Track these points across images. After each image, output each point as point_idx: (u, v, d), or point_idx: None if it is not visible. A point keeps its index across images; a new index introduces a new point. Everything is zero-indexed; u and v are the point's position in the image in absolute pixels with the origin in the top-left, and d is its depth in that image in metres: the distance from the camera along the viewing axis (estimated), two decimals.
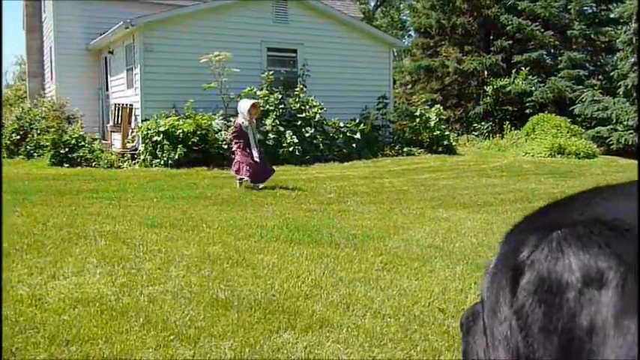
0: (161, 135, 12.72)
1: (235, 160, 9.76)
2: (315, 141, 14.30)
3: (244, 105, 9.74)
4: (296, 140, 13.72)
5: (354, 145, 15.01)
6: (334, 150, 14.67)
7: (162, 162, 12.70)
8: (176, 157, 12.48)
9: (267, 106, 13.98)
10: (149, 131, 12.94)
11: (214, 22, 14.71)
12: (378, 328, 3.64)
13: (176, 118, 13.03)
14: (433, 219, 7.25)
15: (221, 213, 7.46)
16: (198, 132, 12.70)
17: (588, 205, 0.48)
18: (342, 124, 15.17)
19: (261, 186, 9.64)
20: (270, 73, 14.65)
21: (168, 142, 12.65)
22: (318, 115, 14.53)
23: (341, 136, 15.08)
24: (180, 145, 12.54)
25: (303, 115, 14.46)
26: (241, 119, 9.65)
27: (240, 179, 9.66)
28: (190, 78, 13.91)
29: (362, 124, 15.56)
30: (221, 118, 13.66)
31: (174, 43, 14.25)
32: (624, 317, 0.39)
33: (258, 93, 14.07)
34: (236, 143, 9.67)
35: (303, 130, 14.22)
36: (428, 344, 3.40)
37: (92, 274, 4.69)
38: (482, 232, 6.46)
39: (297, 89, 14.82)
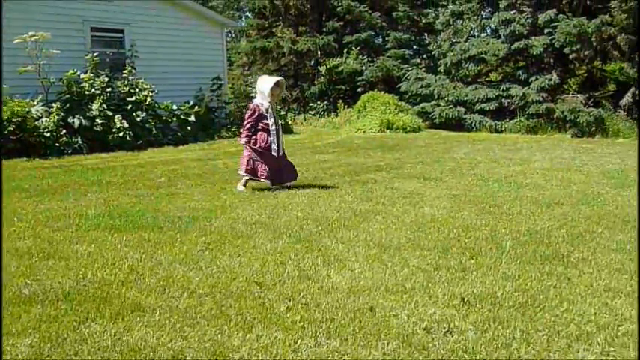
0: None
1: (245, 155, 7.80)
2: (147, 125, 13.76)
3: (265, 83, 7.79)
4: (126, 125, 13.11)
5: (188, 128, 14.68)
6: (168, 134, 14.25)
7: None
8: None
9: (93, 90, 13.21)
10: None
11: None
12: (192, 307, 3.59)
13: None
14: (263, 197, 7.30)
15: (38, 205, 6.94)
16: (15, 120, 11.67)
17: None
18: (175, 107, 14.76)
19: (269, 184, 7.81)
20: (95, 54, 13.84)
21: None
22: (149, 99, 13.98)
23: (175, 119, 14.67)
24: None
25: (133, 98, 13.84)
26: (260, 100, 7.76)
27: (248, 180, 7.78)
28: (4, 61, 12.73)
29: (197, 107, 15.26)
30: (42, 103, 12.68)
31: None
32: None
33: (83, 76, 13.24)
34: (248, 130, 7.68)
35: (134, 114, 13.62)
36: (241, 318, 3.42)
37: None
38: (308, 206, 6.63)
39: (126, 71, 14.15)
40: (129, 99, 13.83)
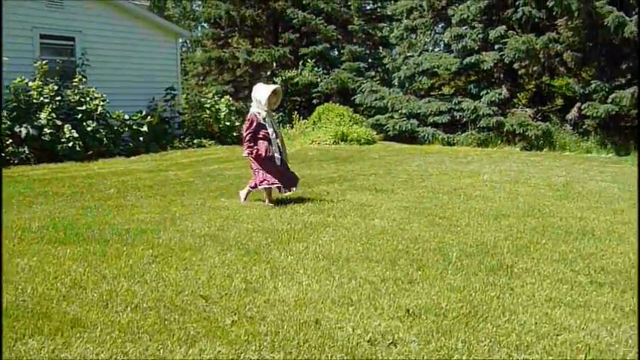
0: None
1: (255, 168, 7.55)
2: (98, 135, 13.50)
3: (261, 92, 7.51)
4: (76, 135, 12.84)
5: (141, 138, 14.48)
6: (120, 144, 14.02)
7: None
8: None
9: (42, 99, 12.90)
10: None
11: None
12: (135, 322, 3.53)
13: None
14: (214, 208, 7.25)
15: None
16: None
17: None
18: (127, 117, 14.54)
19: (287, 193, 7.71)
20: (45, 62, 13.52)
21: None
22: (100, 108, 13.74)
23: (127, 129, 14.45)
24: None
25: (84, 107, 13.57)
26: (257, 109, 7.51)
27: (269, 187, 7.49)
28: None
29: (149, 117, 15.07)
30: None
31: None
32: None
33: (31, 84, 12.93)
34: (249, 141, 7.44)
35: (84, 123, 13.35)
36: (185, 332, 3.38)
37: None
38: (259, 218, 6.60)
39: (76, 80, 13.87)
40: (79, 108, 13.55)
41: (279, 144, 7.62)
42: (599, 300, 4.12)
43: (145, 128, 14.65)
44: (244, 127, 7.68)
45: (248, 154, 7.53)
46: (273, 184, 7.50)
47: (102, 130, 13.70)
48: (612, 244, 5.71)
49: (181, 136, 16.10)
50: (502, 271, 4.72)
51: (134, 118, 14.70)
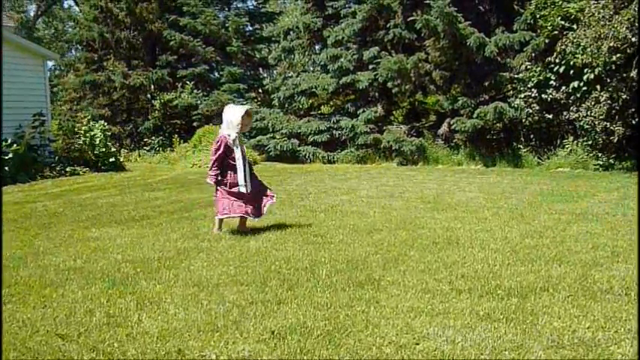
0: None
1: (217, 196, 7.08)
2: None
3: (234, 112, 6.99)
4: None
5: (6, 168, 13.58)
6: None
7: None
8: None
9: None
10: None
11: None
12: None
13: None
14: (82, 240, 6.93)
15: None
16: None
17: None
18: None
19: (256, 219, 7.21)
20: None
21: None
22: None
23: None
24: None
25: None
26: (227, 131, 6.94)
27: (235, 216, 7.09)
28: None
29: (15, 145, 14.19)
30: None
31: None
32: None
33: None
34: (217, 168, 6.93)
35: None
36: None
37: None
38: (130, 248, 6.39)
39: None
40: None
41: (246, 168, 7.04)
42: (457, 306, 4.34)
43: (10, 157, 13.77)
44: (212, 150, 7.07)
45: (214, 182, 7.03)
46: (239, 213, 7.07)
47: None
48: (474, 252, 6.06)
49: (53, 165, 15.27)
50: (369, 285, 4.86)
51: None
